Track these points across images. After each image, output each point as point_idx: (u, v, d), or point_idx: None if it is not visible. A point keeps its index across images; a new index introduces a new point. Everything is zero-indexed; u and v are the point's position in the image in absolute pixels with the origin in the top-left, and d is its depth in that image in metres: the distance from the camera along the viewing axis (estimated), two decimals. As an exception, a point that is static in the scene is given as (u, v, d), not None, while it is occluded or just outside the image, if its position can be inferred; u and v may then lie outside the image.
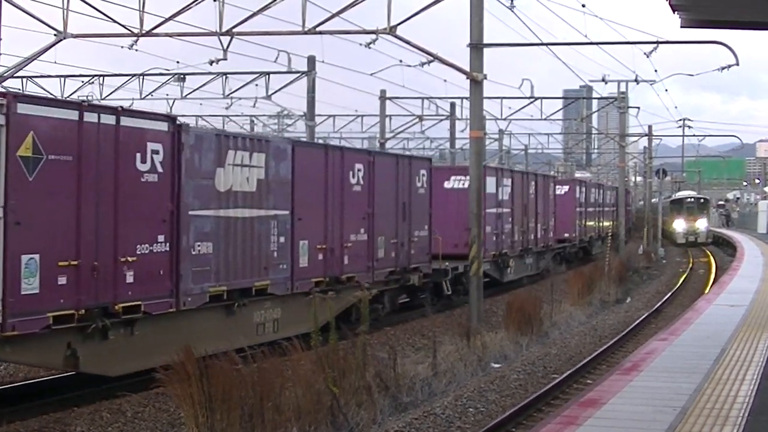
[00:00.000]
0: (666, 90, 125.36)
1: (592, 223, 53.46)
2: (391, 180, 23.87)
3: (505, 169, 37.20)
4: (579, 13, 29.90)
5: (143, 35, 22.12)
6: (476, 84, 23.60)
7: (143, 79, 36.57)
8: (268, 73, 34.86)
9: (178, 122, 16.43)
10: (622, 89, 50.94)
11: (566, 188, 47.69)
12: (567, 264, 44.65)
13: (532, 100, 42.23)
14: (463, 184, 29.75)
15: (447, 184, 31.05)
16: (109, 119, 14.77)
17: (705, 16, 16.19)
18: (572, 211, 47.26)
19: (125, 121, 15.08)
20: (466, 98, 31.64)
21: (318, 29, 21.64)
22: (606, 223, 58.05)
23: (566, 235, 46.08)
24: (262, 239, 18.57)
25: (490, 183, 31.25)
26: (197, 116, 47.80)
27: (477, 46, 23.43)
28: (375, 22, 21.52)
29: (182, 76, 36.13)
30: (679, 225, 73.38)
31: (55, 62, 45.19)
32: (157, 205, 15.70)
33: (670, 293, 34.12)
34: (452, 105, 48.17)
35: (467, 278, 25.52)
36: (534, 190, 38.16)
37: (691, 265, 49.80)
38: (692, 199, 76.45)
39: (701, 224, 73.66)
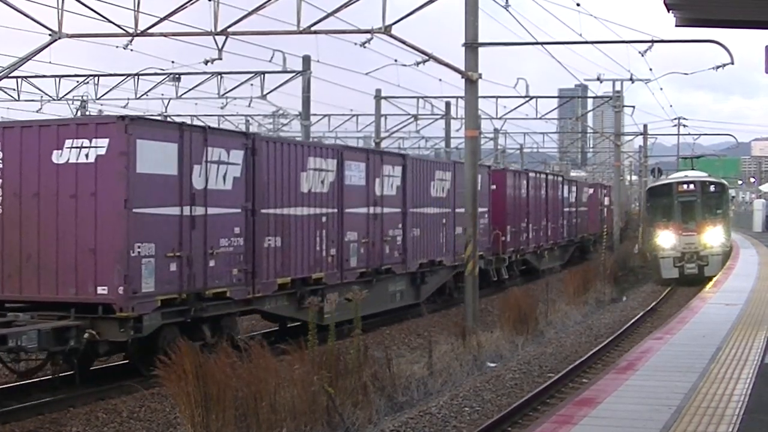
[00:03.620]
0: (661, 89, 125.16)
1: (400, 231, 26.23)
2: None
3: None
4: (574, 12, 29.85)
5: (138, 35, 22.10)
6: (471, 83, 23.58)
7: (138, 78, 36.51)
8: (263, 73, 34.85)
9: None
10: (617, 88, 51.05)
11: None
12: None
13: (527, 99, 42.24)
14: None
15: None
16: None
17: (699, 15, 16.22)
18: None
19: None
20: (462, 97, 31.64)
21: (313, 29, 21.63)
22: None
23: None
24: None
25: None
26: (192, 116, 47.73)
27: (472, 46, 23.41)
28: (370, 21, 21.53)
29: (177, 75, 36.07)
30: (666, 240, 36.12)
31: (50, 62, 45.05)
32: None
33: (665, 292, 34.10)
34: (447, 104, 48.18)
35: None
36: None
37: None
38: (691, 186, 36.92)
39: (714, 239, 36.08)
